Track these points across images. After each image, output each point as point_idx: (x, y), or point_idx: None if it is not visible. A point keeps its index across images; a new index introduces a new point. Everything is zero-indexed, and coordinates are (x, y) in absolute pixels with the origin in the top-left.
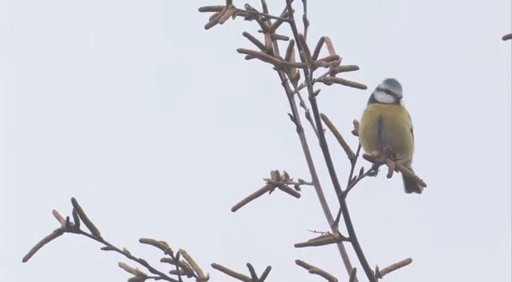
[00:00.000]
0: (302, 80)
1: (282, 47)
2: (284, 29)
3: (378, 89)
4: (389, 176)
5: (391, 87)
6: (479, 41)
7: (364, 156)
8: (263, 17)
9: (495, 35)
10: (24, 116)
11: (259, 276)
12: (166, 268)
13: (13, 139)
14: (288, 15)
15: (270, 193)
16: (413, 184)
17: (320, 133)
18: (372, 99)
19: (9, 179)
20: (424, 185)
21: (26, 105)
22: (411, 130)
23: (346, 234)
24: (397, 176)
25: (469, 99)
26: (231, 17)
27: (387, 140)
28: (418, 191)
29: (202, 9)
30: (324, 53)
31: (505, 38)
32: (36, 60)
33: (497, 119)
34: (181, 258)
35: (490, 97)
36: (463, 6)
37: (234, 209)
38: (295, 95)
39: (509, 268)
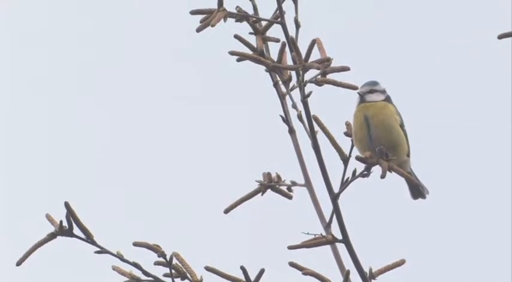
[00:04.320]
0: (294, 81)
1: (274, 48)
2: (276, 30)
3: None
4: (382, 176)
5: (359, 88)
6: (475, 38)
7: (357, 158)
8: (254, 19)
9: (493, 33)
10: (17, 119)
11: (252, 278)
12: (160, 271)
13: (6, 143)
14: (279, 17)
15: (262, 195)
16: (418, 190)
17: (312, 134)
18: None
19: (2, 183)
20: (417, 185)
21: (19, 109)
22: (402, 126)
23: (339, 236)
24: (391, 178)
25: (467, 99)
26: (222, 19)
27: (377, 139)
28: (423, 197)
29: (193, 12)
30: (315, 54)
31: (501, 37)
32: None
33: (498, 120)
34: (174, 261)
35: (490, 97)
36: (459, 3)
37: (227, 211)
38: (287, 97)
39: (508, 268)
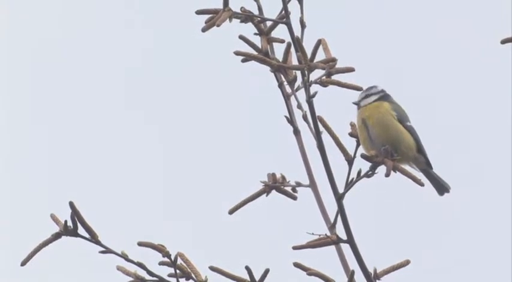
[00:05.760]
0: (299, 82)
1: (279, 49)
2: (281, 31)
3: None
4: (387, 175)
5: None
6: (477, 38)
7: (362, 156)
8: (259, 19)
9: (494, 32)
10: (22, 118)
11: (257, 278)
12: (165, 271)
13: (11, 142)
14: (284, 17)
15: (267, 195)
16: (441, 186)
17: (317, 135)
18: None
19: (7, 183)
20: (422, 185)
21: (22, 107)
22: (402, 121)
23: (343, 236)
24: (395, 179)
25: (468, 100)
26: (227, 19)
27: (377, 138)
28: (447, 191)
29: (199, 12)
30: (320, 55)
31: (503, 42)
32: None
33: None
34: (179, 261)
35: (491, 97)
36: (463, 5)
37: (231, 212)
38: (292, 97)
39: (508, 268)
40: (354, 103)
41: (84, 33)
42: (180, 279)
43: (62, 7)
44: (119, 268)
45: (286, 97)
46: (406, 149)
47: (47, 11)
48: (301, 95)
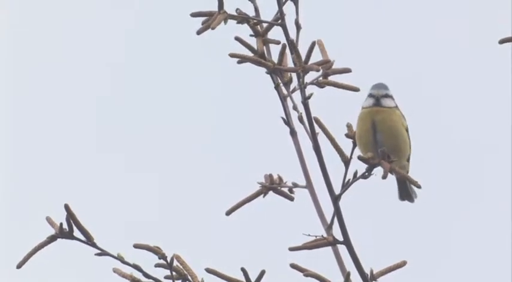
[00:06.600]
0: (295, 83)
1: (275, 50)
2: (278, 32)
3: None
4: (384, 177)
5: (373, 89)
6: (477, 40)
7: (359, 158)
8: (255, 21)
9: (496, 35)
10: (20, 119)
11: (253, 280)
12: (161, 273)
13: (7, 146)
14: (279, 19)
15: (263, 197)
16: (406, 193)
17: (313, 136)
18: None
19: (2, 185)
20: (419, 187)
21: (21, 108)
22: (407, 130)
23: (340, 238)
24: (392, 180)
25: (465, 101)
26: (222, 22)
27: (383, 144)
28: (411, 200)
29: (194, 15)
30: (317, 56)
31: (502, 41)
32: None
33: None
34: (175, 263)
35: (489, 99)
36: (459, 5)
37: (228, 213)
38: (288, 99)
39: (508, 269)
40: (376, 96)
41: (84, 34)
42: (176, 281)
43: (63, 8)
44: (115, 270)
45: (283, 98)
46: (402, 157)
47: (47, 11)
48: (297, 96)
